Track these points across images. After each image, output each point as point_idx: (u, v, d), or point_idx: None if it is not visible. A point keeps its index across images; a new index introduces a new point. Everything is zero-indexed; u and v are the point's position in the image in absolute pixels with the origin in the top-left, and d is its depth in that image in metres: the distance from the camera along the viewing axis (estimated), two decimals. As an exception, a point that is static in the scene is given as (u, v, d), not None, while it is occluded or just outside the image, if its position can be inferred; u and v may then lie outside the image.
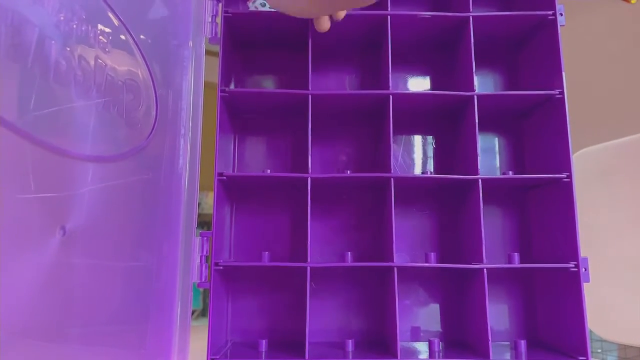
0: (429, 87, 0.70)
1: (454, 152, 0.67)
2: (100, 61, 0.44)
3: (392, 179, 0.58)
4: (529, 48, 0.66)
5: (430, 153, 0.68)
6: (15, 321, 0.34)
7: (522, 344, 0.57)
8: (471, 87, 0.60)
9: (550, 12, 0.60)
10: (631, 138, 0.85)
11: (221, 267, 0.57)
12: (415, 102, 0.63)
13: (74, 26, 0.41)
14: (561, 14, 0.60)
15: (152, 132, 0.52)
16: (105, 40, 0.45)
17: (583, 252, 0.55)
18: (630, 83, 1.16)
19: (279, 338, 0.63)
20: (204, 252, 0.58)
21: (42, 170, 0.37)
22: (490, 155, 0.68)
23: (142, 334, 0.51)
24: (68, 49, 0.40)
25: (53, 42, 0.38)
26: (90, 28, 0.43)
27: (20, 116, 0.34)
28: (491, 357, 0.54)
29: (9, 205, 0.33)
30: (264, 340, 0.59)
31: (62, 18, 0.39)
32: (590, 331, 0.87)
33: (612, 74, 1.18)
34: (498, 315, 0.64)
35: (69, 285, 0.40)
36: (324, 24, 0.57)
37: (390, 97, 0.59)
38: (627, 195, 0.84)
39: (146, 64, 0.52)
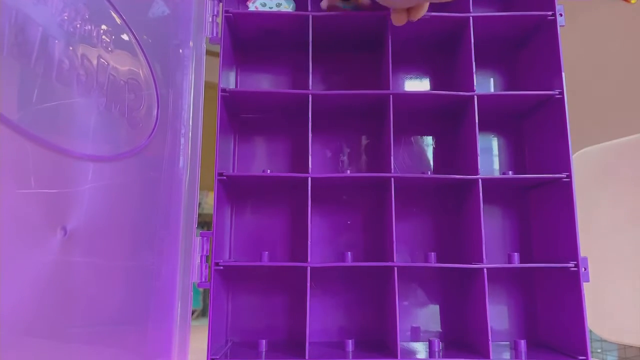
0: (429, 87, 0.70)
1: (454, 152, 0.67)
2: (103, 60, 0.44)
3: (392, 179, 0.58)
4: (529, 48, 0.67)
5: (430, 153, 0.68)
6: (17, 320, 0.34)
7: (522, 344, 0.57)
8: (471, 87, 0.60)
9: (550, 13, 0.60)
10: (631, 138, 0.85)
11: (221, 267, 0.57)
12: (416, 102, 0.63)
13: (78, 25, 0.41)
14: (561, 14, 0.60)
15: (153, 131, 0.52)
16: (108, 40, 0.45)
17: (583, 252, 0.55)
18: (630, 83, 1.17)
19: (279, 338, 0.63)
20: (204, 252, 0.58)
21: (43, 169, 0.37)
22: (490, 155, 0.68)
23: (142, 333, 0.51)
24: (71, 48, 0.40)
25: (56, 41, 0.38)
26: (93, 27, 0.43)
27: (21, 115, 0.34)
28: (491, 357, 0.54)
29: (10, 204, 0.33)
30: (264, 340, 0.59)
31: (65, 17, 0.39)
32: (590, 331, 0.87)
33: (612, 74, 1.19)
34: (498, 315, 0.64)
35: (69, 284, 0.40)
36: (402, 19, 0.57)
37: (391, 97, 0.59)
38: (627, 195, 0.84)
39: (148, 64, 0.52)
